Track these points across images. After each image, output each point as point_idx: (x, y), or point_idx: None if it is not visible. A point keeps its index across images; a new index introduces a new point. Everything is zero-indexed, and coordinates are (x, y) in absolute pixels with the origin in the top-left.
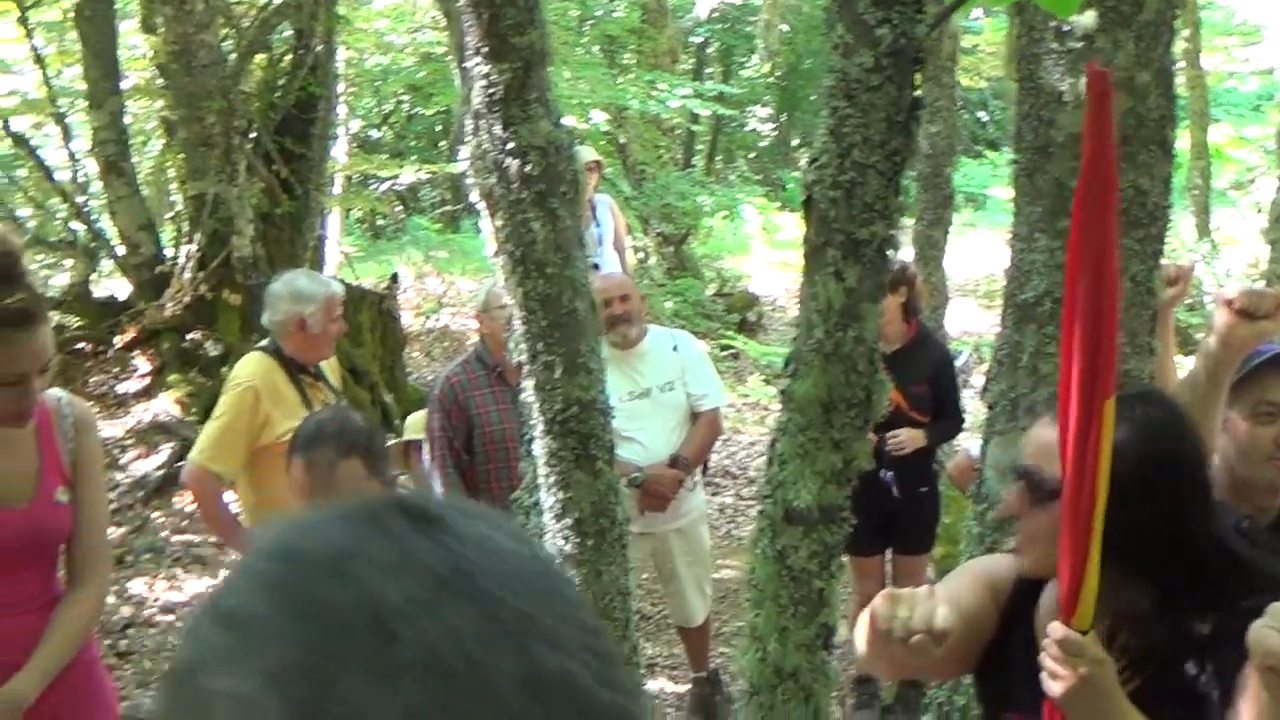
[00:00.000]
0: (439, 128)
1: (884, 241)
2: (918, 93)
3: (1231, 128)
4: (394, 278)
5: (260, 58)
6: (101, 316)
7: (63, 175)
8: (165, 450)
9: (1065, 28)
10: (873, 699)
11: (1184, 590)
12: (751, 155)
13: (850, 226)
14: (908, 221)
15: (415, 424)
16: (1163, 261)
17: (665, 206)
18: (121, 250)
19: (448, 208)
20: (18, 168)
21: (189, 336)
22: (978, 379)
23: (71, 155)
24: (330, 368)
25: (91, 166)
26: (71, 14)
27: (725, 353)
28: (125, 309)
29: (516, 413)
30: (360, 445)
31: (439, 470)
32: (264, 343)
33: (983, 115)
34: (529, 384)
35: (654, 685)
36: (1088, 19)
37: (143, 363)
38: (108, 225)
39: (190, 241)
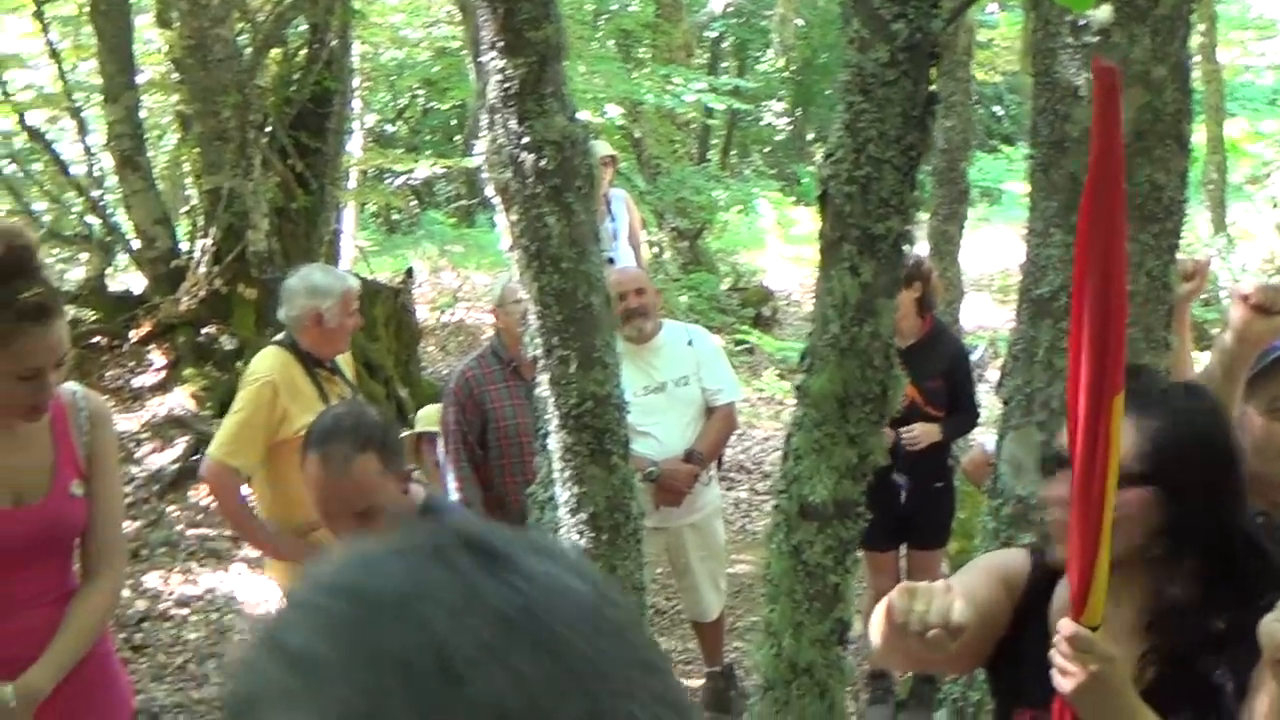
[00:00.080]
0: (454, 122)
1: (899, 236)
2: (933, 87)
3: (1247, 122)
4: (409, 272)
5: (275, 52)
6: (117, 311)
7: (78, 169)
8: (180, 444)
9: (1081, 22)
10: (887, 694)
11: (1219, 583)
12: (766, 150)
13: (866, 221)
14: (923, 216)
15: (426, 417)
16: (1179, 256)
17: (680, 201)
18: (137, 244)
19: (463, 202)
20: (33, 162)
21: (204, 331)
22: (993, 374)
23: (87, 149)
24: (345, 362)
25: (107, 161)
26: (87, 8)
27: (740, 347)
28: (140, 303)
29: (531, 407)
30: (375, 440)
31: (454, 464)
32: (280, 337)
33: (998, 110)
34: (544, 379)
35: None
36: (1104, 13)
37: (158, 357)
38: (123, 219)
39: (205, 236)
